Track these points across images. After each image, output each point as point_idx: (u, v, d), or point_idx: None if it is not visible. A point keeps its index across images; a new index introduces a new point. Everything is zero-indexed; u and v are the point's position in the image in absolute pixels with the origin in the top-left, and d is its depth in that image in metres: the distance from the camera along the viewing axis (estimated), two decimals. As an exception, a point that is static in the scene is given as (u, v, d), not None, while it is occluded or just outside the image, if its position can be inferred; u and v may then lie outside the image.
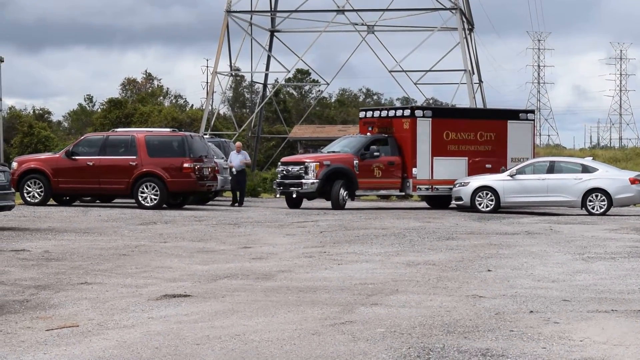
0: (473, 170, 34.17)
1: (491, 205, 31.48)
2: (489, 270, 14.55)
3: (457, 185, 32.54)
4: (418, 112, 34.18)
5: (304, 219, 26.35)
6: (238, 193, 35.01)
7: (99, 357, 8.20)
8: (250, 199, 40.82)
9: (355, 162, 32.88)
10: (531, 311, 10.63)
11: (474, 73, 55.00)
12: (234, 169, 34.67)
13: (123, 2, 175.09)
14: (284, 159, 34.63)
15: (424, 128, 34.00)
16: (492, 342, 8.82)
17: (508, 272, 14.44)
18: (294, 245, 18.46)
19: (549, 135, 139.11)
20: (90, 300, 11.23)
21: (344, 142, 34.64)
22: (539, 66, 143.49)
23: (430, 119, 34.17)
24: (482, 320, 10.01)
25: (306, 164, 32.57)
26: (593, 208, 30.80)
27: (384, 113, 35.17)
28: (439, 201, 35.06)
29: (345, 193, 32.48)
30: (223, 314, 10.32)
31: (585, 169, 31.45)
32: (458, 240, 19.94)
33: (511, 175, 31.61)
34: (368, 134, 34.52)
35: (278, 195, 35.03)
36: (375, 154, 33.29)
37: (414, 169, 33.71)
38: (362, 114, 36.39)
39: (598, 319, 10.17)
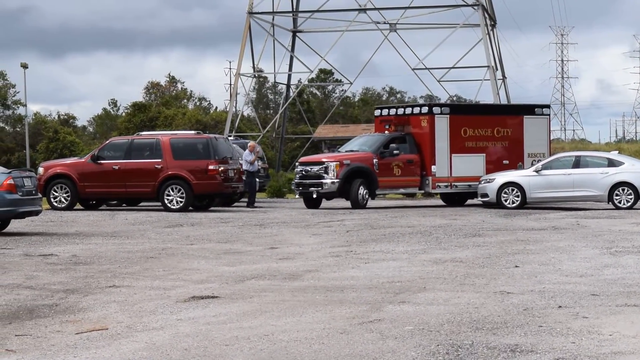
0: (491, 167, 33.99)
1: (517, 201, 31.34)
2: (516, 266, 14.52)
3: (482, 182, 32.40)
4: (436, 109, 33.98)
5: (329, 219, 26.34)
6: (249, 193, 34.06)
7: (129, 359, 8.24)
8: (275, 200, 40.86)
9: (374, 160, 32.65)
10: (560, 306, 10.60)
11: (497, 69, 54.87)
12: (248, 168, 33.17)
13: (144, 5, 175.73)
14: (302, 159, 34.39)
15: (442, 125, 33.79)
16: (521, 338, 8.81)
17: (536, 267, 14.40)
18: (320, 245, 18.46)
19: (574, 130, 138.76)
20: (119, 303, 11.28)
21: (361, 141, 34.38)
22: (562, 61, 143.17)
23: (448, 116, 33.98)
24: (510, 316, 9.98)
25: (326, 163, 32.26)
26: (620, 202, 30.63)
27: (400, 111, 34.96)
28: (456, 198, 34.88)
29: (365, 192, 32.32)
30: (251, 314, 10.34)
31: (611, 163, 31.27)
32: (485, 237, 19.89)
33: (537, 171, 31.46)
34: (386, 132, 34.36)
35: (297, 196, 34.74)
36: (395, 152, 33.06)
37: (433, 167, 33.50)
38: (377, 112, 36.19)
39: (627, 313, 10.13)
